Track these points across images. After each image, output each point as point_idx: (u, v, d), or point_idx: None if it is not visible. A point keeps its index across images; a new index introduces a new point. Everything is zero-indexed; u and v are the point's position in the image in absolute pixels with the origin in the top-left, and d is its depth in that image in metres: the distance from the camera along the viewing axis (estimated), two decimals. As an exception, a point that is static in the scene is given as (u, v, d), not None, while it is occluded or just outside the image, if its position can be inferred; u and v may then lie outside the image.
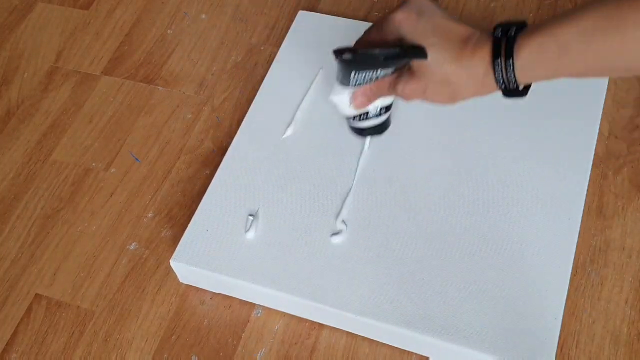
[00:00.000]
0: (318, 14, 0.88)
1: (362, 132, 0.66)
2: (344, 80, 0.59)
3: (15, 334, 0.69)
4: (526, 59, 0.50)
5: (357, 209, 0.70)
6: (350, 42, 0.83)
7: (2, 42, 0.93)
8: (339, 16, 0.87)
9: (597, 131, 0.73)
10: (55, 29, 0.94)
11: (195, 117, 0.83)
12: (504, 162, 0.72)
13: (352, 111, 0.63)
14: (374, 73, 0.58)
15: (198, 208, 0.71)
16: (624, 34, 0.45)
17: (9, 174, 0.81)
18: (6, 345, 0.68)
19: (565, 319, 0.64)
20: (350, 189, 0.71)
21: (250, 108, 0.79)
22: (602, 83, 0.77)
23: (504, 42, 0.50)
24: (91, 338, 0.68)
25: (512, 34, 0.50)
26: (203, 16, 0.93)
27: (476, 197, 0.69)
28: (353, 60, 0.57)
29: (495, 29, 0.52)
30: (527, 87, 0.53)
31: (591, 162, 0.71)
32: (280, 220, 0.69)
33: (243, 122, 0.78)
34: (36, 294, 0.72)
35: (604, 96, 0.76)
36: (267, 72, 0.82)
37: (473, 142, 0.73)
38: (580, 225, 0.67)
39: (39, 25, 0.95)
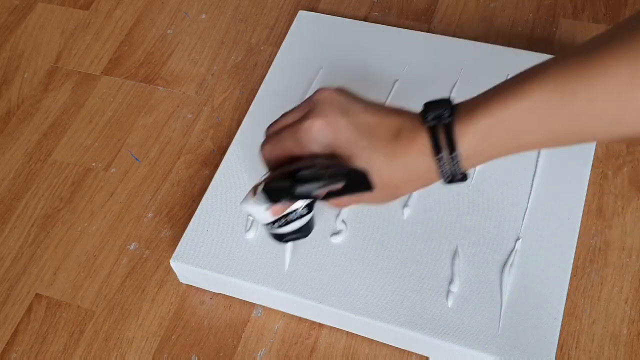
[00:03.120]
0: (318, 14, 0.88)
1: (283, 238, 0.56)
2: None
3: (15, 333, 0.69)
4: (472, 148, 0.45)
5: (357, 209, 0.70)
6: (349, 42, 0.84)
7: (2, 42, 0.93)
8: (339, 16, 0.87)
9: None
10: (55, 29, 0.94)
11: (195, 117, 0.83)
12: (504, 162, 0.71)
13: (269, 217, 0.53)
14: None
15: (198, 208, 0.71)
16: (578, 108, 0.41)
17: (9, 174, 0.81)
18: (6, 345, 0.69)
19: (565, 319, 0.65)
20: (350, 189, 0.71)
21: (250, 108, 0.79)
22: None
23: (441, 132, 0.45)
24: (91, 338, 0.68)
25: (447, 120, 0.45)
26: (203, 16, 0.93)
27: (476, 196, 0.69)
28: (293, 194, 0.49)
29: (424, 114, 0.46)
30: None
31: (591, 162, 0.72)
32: (280, 220, 0.69)
33: (243, 122, 0.78)
34: (36, 294, 0.72)
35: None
36: (267, 72, 0.82)
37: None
38: (580, 225, 0.67)
39: (39, 25, 0.95)
